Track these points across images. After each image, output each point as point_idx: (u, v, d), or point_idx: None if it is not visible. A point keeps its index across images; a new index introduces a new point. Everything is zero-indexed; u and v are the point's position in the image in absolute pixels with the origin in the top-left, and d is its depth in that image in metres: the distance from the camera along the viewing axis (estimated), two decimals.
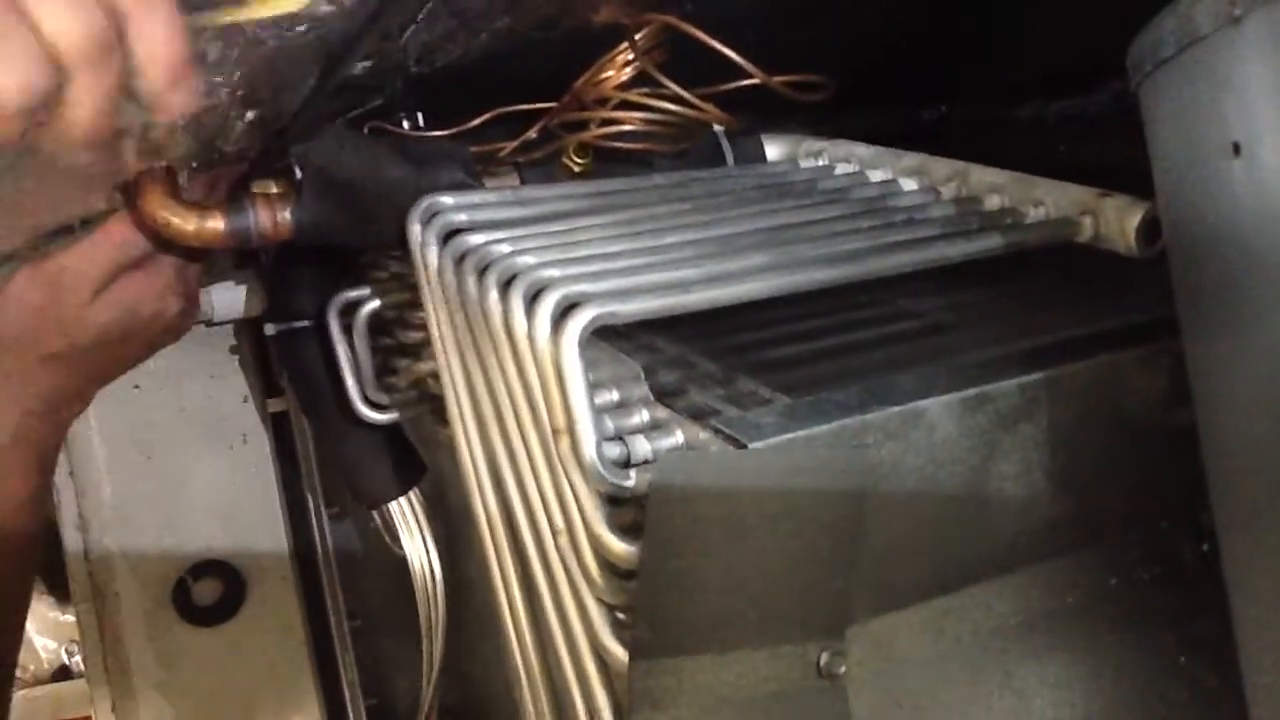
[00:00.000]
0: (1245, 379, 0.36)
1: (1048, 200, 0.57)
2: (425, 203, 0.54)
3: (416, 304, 0.58)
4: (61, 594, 1.52)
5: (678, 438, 0.44)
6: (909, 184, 0.64)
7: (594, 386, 0.43)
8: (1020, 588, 0.50)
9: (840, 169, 0.68)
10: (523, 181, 0.65)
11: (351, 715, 0.97)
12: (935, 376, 0.45)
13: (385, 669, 0.95)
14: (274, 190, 0.61)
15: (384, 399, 0.71)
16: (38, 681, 1.64)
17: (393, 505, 0.76)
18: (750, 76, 0.59)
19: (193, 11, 0.45)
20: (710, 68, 0.58)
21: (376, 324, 0.69)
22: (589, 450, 0.42)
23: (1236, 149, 0.34)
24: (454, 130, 0.64)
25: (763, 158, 0.71)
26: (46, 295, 0.58)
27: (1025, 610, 0.50)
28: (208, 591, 0.96)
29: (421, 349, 0.65)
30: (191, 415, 0.96)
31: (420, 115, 0.65)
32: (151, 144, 0.51)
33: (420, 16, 0.50)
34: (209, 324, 0.82)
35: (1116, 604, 0.52)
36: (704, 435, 0.42)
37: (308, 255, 0.71)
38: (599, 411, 0.43)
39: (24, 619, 0.67)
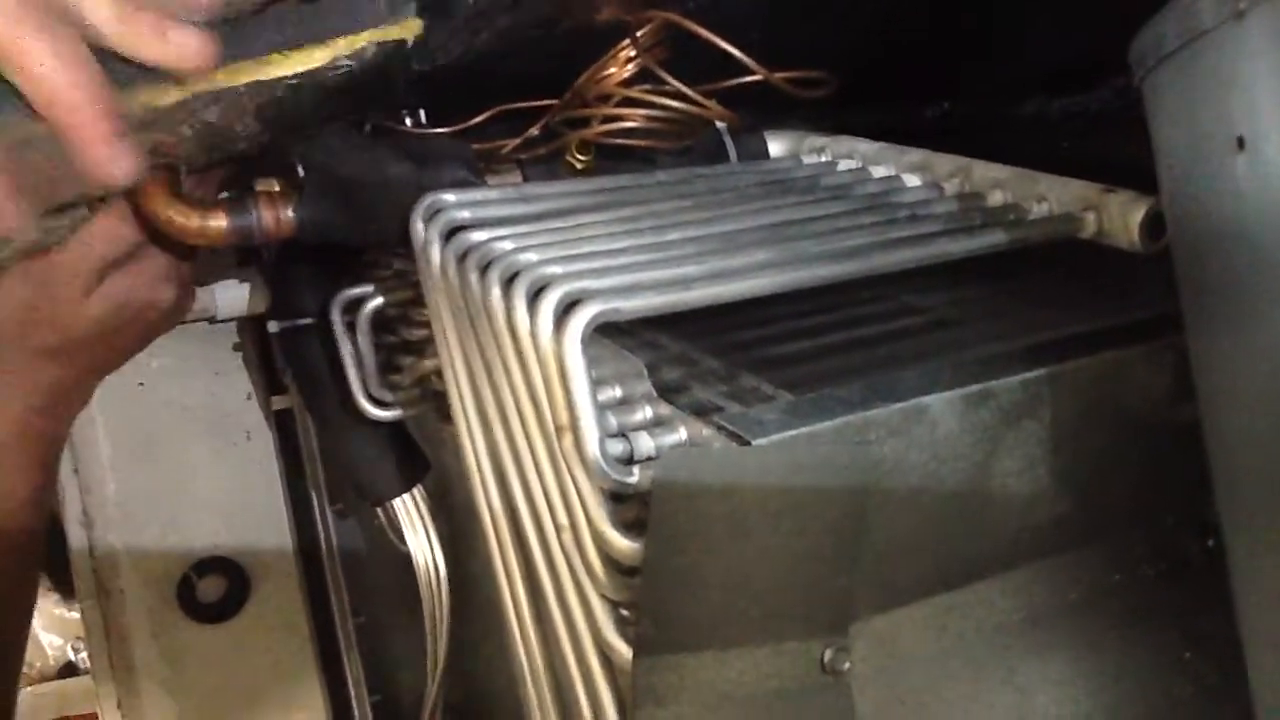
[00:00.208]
0: (1249, 374, 0.36)
1: (1051, 196, 0.57)
2: (428, 200, 0.54)
3: (420, 301, 0.58)
4: (66, 591, 1.53)
5: (681, 434, 0.44)
6: (912, 180, 0.64)
7: (597, 383, 0.43)
8: (1024, 584, 0.50)
9: (843, 165, 0.68)
10: (525, 179, 0.65)
11: (356, 712, 0.97)
12: (938, 373, 0.45)
13: (390, 666, 0.96)
14: (276, 188, 0.61)
15: (387, 396, 0.71)
16: (43, 678, 1.64)
17: (397, 502, 0.77)
18: (752, 73, 0.59)
19: (211, 73, 0.45)
20: (712, 64, 0.58)
21: (380, 321, 0.69)
22: (592, 447, 0.42)
23: (1241, 143, 0.34)
24: (456, 127, 0.64)
25: (765, 154, 0.71)
26: (39, 292, 0.58)
27: (1028, 607, 0.50)
28: (212, 588, 0.96)
29: (425, 346, 0.65)
30: (195, 412, 0.96)
31: (422, 112, 0.65)
32: (154, 146, 0.51)
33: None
34: (212, 321, 0.82)
35: (1120, 600, 0.52)
36: (707, 432, 0.42)
37: (310, 253, 0.71)
38: (602, 408, 0.43)
39: (30, 616, 0.67)
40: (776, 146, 0.71)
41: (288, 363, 0.77)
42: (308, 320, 0.73)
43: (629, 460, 0.43)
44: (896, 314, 0.56)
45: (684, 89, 0.60)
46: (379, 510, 0.79)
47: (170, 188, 0.57)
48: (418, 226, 0.54)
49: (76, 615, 1.31)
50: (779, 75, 0.60)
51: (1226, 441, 0.39)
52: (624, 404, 0.46)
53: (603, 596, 0.44)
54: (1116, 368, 0.48)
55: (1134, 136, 0.42)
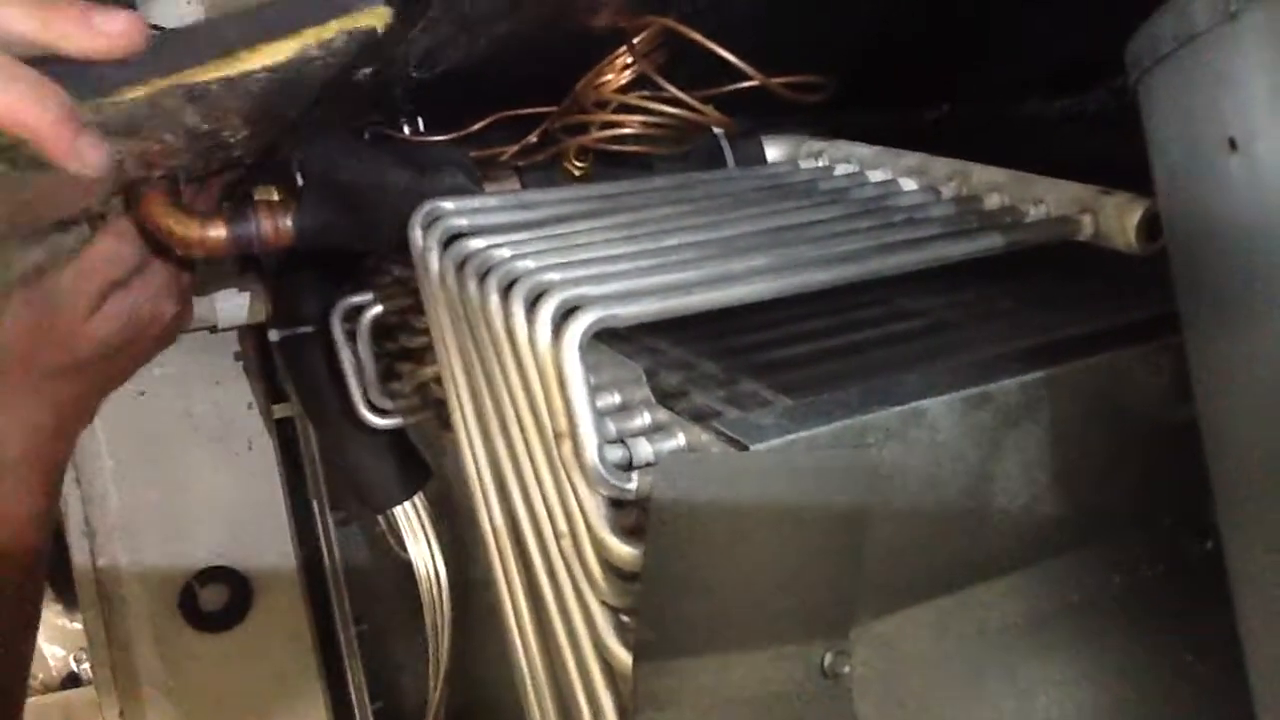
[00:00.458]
0: (1246, 375, 0.36)
1: (1048, 198, 0.57)
2: (426, 208, 0.55)
3: (419, 308, 0.58)
4: (69, 601, 1.53)
5: (680, 440, 0.44)
6: (909, 184, 0.64)
7: (595, 389, 0.43)
8: (1024, 586, 0.50)
9: (840, 169, 0.68)
10: (523, 185, 0.65)
11: (359, 719, 0.97)
12: (936, 376, 0.45)
13: (392, 672, 0.96)
14: (275, 197, 0.61)
15: (388, 404, 0.71)
16: (47, 689, 1.64)
17: (398, 509, 0.77)
18: (749, 78, 0.59)
19: (178, 69, 0.45)
20: (709, 70, 0.58)
21: (380, 329, 0.69)
22: (591, 454, 0.42)
23: (1233, 144, 0.34)
24: (454, 135, 0.65)
25: (763, 159, 0.71)
26: (43, 314, 0.59)
27: (1029, 609, 0.50)
28: (214, 597, 0.96)
29: (425, 353, 0.65)
30: (197, 422, 0.96)
31: (420, 120, 0.65)
32: (141, 154, 0.51)
33: (420, 24, 0.50)
34: (213, 330, 0.82)
35: (1121, 602, 0.52)
36: (706, 437, 0.42)
37: (310, 261, 0.72)
38: (601, 414, 0.43)
39: (35, 634, 0.68)
40: (774, 151, 0.71)
41: (288, 371, 0.78)
42: (308, 328, 0.73)
43: (628, 466, 0.43)
44: (895, 317, 0.56)
45: (681, 95, 0.60)
46: (380, 518, 0.79)
47: (170, 198, 0.58)
48: (416, 234, 0.54)
49: (79, 626, 1.31)
50: (776, 80, 0.60)
51: (1224, 442, 0.39)
52: (623, 410, 0.46)
53: (602, 602, 0.44)
54: (1115, 369, 0.48)
55: (1134, 136, 0.42)
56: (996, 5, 0.68)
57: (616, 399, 0.47)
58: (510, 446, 0.49)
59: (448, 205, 0.55)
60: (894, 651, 0.47)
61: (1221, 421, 0.40)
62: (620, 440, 0.43)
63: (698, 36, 0.57)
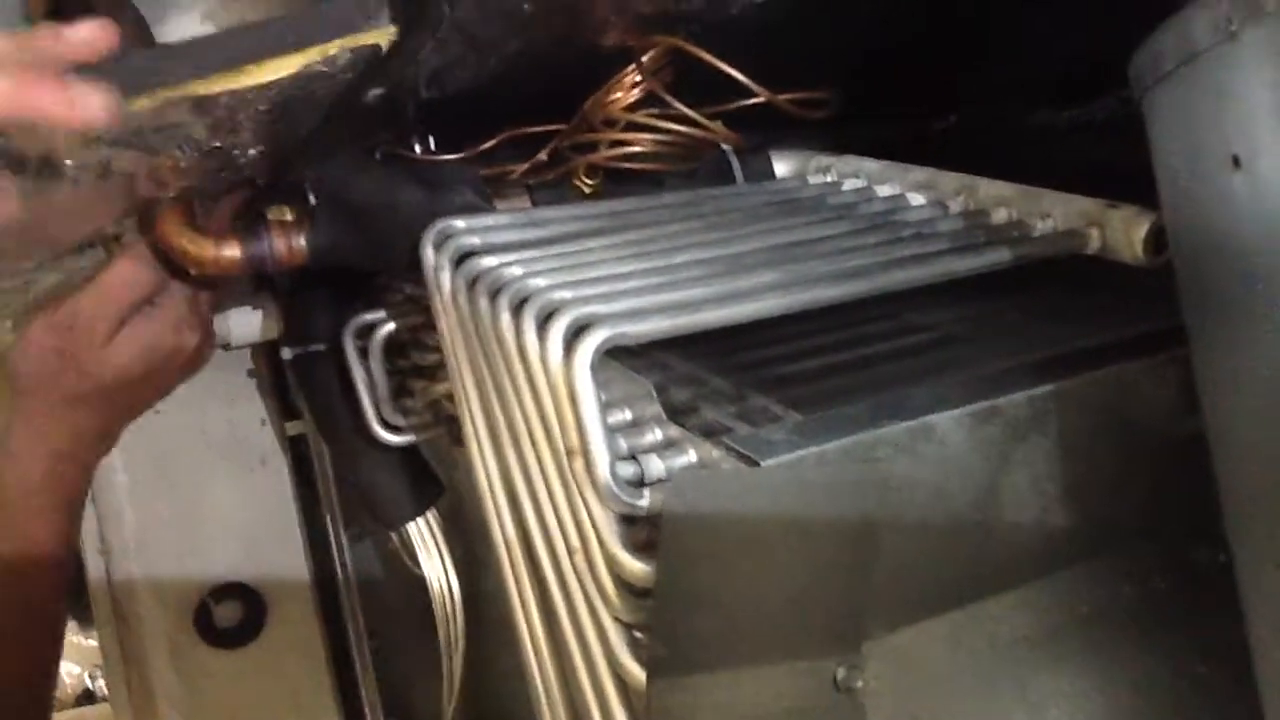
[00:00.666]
0: (1251, 387, 0.37)
1: (1055, 212, 0.57)
2: (438, 226, 0.55)
3: (431, 326, 0.59)
4: (85, 618, 1.53)
5: (690, 456, 0.44)
6: (917, 198, 0.64)
7: (606, 406, 0.44)
8: (1035, 598, 0.50)
9: (848, 184, 0.68)
10: (534, 203, 0.66)
11: None
12: (945, 390, 0.45)
13: (405, 687, 0.96)
14: (288, 216, 0.62)
15: (400, 421, 0.71)
16: (62, 706, 1.65)
17: (411, 525, 0.77)
18: (756, 95, 0.59)
19: (184, 81, 0.46)
20: (717, 87, 0.59)
21: (392, 346, 0.70)
22: (602, 470, 0.42)
23: (1236, 162, 0.34)
24: (465, 153, 0.65)
25: (771, 174, 0.71)
26: (64, 339, 0.59)
27: (1040, 621, 0.50)
28: (229, 614, 0.96)
29: (437, 371, 0.65)
30: (211, 439, 0.97)
31: (431, 139, 0.66)
32: (152, 171, 0.52)
33: (431, 44, 0.51)
34: (226, 348, 0.83)
35: (1132, 613, 0.52)
36: (716, 453, 0.43)
37: (323, 279, 0.72)
38: (612, 431, 0.44)
39: (59, 650, 0.68)
40: (782, 166, 0.71)
41: (301, 388, 0.78)
42: (321, 346, 0.73)
43: (639, 483, 0.43)
44: (903, 332, 0.57)
45: (689, 112, 0.61)
46: (393, 534, 0.79)
47: (184, 218, 0.58)
48: (428, 252, 0.55)
49: (94, 643, 1.31)
50: (782, 97, 0.60)
51: (1231, 453, 0.40)
52: (634, 426, 0.47)
53: (615, 618, 0.44)
54: (1122, 382, 0.48)
55: (1142, 144, 0.43)
56: (1001, 14, 0.69)
57: (627, 415, 0.48)
58: (522, 463, 0.50)
59: (459, 224, 0.55)
60: (906, 665, 0.47)
61: (1228, 434, 0.40)
62: (632, 456, 0.44)
63: (705, 55, 0.57)
